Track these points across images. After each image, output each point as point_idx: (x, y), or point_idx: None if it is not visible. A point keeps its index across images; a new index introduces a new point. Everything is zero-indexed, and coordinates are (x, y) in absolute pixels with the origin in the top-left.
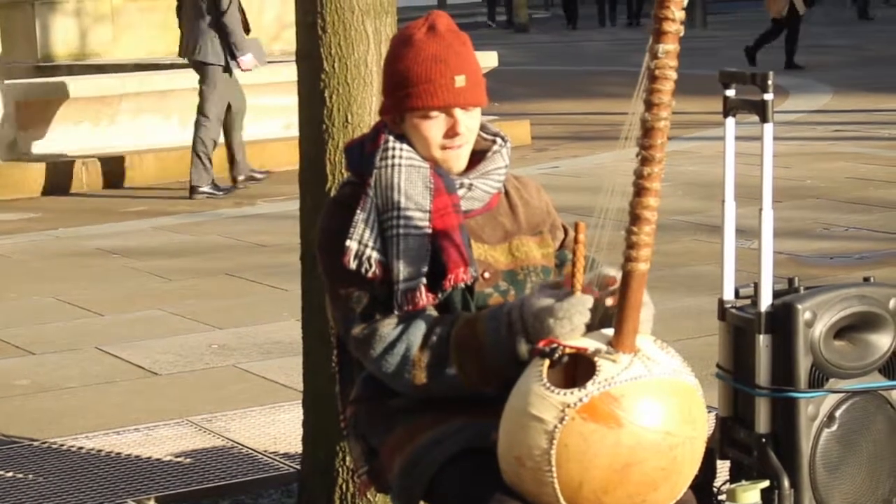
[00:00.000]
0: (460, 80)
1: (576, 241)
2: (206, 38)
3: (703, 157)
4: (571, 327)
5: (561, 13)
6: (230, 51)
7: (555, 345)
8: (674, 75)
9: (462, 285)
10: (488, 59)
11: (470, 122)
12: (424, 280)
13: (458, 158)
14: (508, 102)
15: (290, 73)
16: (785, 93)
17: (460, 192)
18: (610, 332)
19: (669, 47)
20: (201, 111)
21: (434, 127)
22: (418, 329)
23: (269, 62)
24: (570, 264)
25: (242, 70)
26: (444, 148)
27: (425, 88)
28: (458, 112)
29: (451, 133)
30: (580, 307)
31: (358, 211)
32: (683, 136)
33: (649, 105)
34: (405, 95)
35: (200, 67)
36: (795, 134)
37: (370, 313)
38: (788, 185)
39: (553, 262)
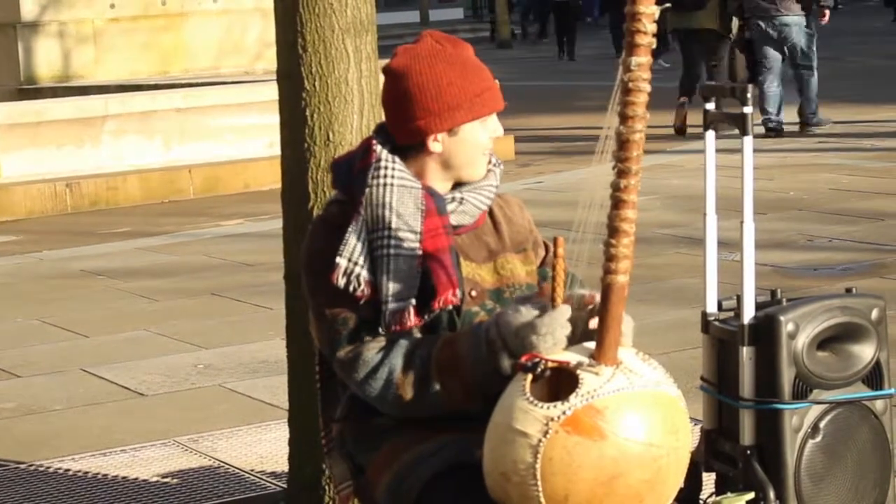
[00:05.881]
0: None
1: (555, 255)
2: None
3: (688, 170)
4: (554, 341)
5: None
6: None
7: (537, 359)
8: (647, 87)
9: (450, 306)
10: None
11: None
12: (414, 301)
13: (486, 163)
14: None
15: (273, 92)
16: None
17: (451, 207)
18: (591, 345)
19: (642, 60)
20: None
21: (485, 132)
22: (400, 352)
23: (250, 81)
24: (549, 280)
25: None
26: (485, 152)
27: (490, 94)
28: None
29: (496, 134)
30: (562, 320)
31: (349, 228)
32: (668, 149)
33: (624, 118)
34: (471, 106)
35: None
36: (779, 146)
37: (355, 335)
38: (772, 196)
39: (537, 279)
